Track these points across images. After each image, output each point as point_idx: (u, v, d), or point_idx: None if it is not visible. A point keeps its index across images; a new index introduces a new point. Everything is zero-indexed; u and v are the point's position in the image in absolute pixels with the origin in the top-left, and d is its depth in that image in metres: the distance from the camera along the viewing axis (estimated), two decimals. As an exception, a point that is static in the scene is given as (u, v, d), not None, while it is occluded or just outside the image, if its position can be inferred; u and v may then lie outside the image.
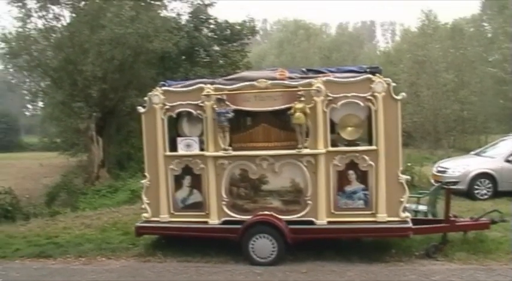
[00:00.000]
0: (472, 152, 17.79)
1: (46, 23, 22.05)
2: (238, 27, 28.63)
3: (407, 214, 8.43)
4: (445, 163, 16.09)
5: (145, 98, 9.20)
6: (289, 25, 66.40)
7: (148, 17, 21.55)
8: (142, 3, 22.39)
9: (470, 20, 42.17)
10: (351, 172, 8.37)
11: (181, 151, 8.99)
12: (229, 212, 8.77)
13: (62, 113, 24.67)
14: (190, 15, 27.37)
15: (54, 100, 23.71)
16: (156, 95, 8.95)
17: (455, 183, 11.35)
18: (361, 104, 8.24)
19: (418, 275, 7.57)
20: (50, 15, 21.97)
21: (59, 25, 22.41)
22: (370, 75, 8.31)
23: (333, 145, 8.44)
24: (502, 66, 31.38)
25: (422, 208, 10.13)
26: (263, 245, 8.42)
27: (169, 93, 8.98)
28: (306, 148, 8.29)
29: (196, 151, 8.92)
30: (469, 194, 14.16)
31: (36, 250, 9.99)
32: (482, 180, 14.25)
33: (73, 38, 21.57)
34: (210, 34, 28.34)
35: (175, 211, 9.11)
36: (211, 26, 28.35)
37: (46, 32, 22.18)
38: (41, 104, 30.41)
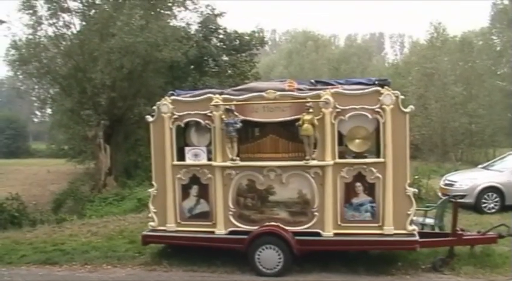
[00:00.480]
0: (480, 166, 17.73)
1: (56, 30, 22.20)
2: (247, 37, 28.72)
3: (414, 227, 8.40)
4: (453, 176, 16.04)
5: (154, 107, 9.23)
6: (298, 36, 66.50)
7: (158, 26, 21.62)
8: (152, 13, 22.45)
9: (479, 33, 42.14)
10: (358, 184, 8.37)
11: (189, 160, 9.01)
12: (235, 222, 8.76)
13: (70, 120, 24.81)
14: (199, 25, 27.48)
15: (63, 107, 23.82)
16: (165, 104, 8.98)
17: (462, 196, 11.30)
18: (370, 116, 8.24)
19: (424, 289, 7.54)
20: (60, 23, 22.18)
21: (69, 33, 22.57)
22: (378, 88, 8.32)
23: (341, 157, 8.45)
24: (510, 79, 31.34)
25: (429, 221, 10.09)
26: (269, 256, 8.40)
27: (178, 102, 9.00)
28: (313, 159, 8.28)
29: (204, 160, 8.94)
30: (476, 207, 14.09)
31: (42, 256, 10.01)
32: (489, 194, 14.18)
33: (83, 45, 21.69)
34: (219, 44, 28.44)
35: (182, 220, 9.11)
36: (221, 36, 28.47)
37: (56, 40, 22.32)
38: (49, 110, 30.61)
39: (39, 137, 56.00)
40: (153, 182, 9.35)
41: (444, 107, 31.89)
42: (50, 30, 22.26)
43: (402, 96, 8.32)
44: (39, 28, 21.89)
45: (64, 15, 22.08)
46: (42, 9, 21.60)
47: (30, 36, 21.87)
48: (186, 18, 26.89)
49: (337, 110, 8.27)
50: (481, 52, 37.08)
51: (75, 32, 22.62)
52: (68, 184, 23.79)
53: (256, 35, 29.17)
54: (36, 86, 25.39)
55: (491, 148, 34.09)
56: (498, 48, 38.82)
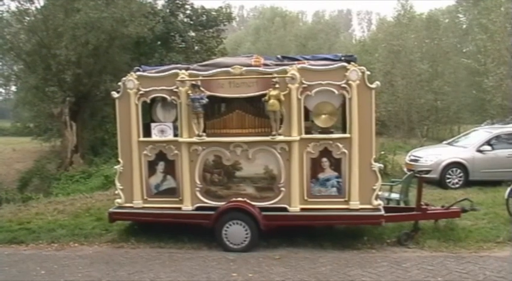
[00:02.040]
0: (445, 142, 18.00)
1: (19, 5, 21.77)
2: (215, 13, 28.60)
3: (379, 201, 8.50)
4: (418, 152, 16.24)
5: (120, 83, 9.12)
6: (265, 12, 66.32)
7: (124, 2, 21.38)
8: (118, -13, 22.16)
9: (445, 11, 42.53)
10: (324, 159, 8.41)
11: (155, 136, 8.95)
12: (202, 198, 8.76)
13: (35, 97, 24.39)
14: (166, 0, 27.16)
15: (27, 84, 23.41)
16: (131, 80, 8.88)
17: (427, 172, 11.41)
18: (336, 92, 8.26)
19: (389, 263, 7.63)
20: (24, -3, 21.67)
21: (33, 8, 22.15)
22: (345, 64, 8.33)
23: (307, 133, 8.47)
24: (475, 57, 31.65)
25: (394, 196, 10.24)
26: (236, 232, 8.43)
27: (144, 78, 8.91)
28: (280, 135, 8.28)
29: (170, 136, 8.89)
30: (440, 183, 14.33)
31: (8, 235, 9.88)
32: (454, 169, 14.42)
33: (47, 21, 21.30)
34: (186, 20, 28.28)
35: (148, 197, 9.08)
36: (188, 12, 28.29)
37: (19, 15, 21.87)
38: (13, 88, 30.08)
39: (3, 115, 54.98)
40: (119, 159, 9.27)
41: (410, 84, 32.12)
42: (13, 5, 21.88)
43: (368, 73, 8.35)
44: (1, 3, 21.49)
45: (27, -11, 21.65)
46: (5, -17, 21.16)
47: (-8, 12, 21.43)
48: (152, -6, 26.66)
49: (304, 85, 8.26)
50: (447, 30, 37.38)
51: (39, 7, 22.21)
52: (33, 163, 23.47)
53: (224, 11, 29.09)
54: (0, 63, 24.93)
55: (456, 124, 34.55)
56: (464, 26, 39.22)
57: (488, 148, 14.51)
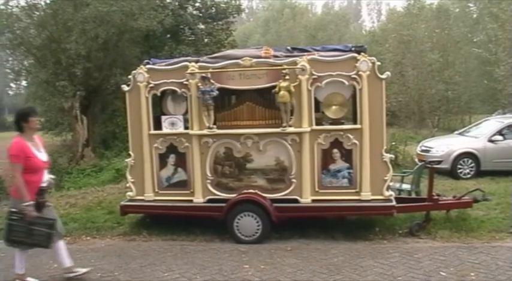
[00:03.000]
0: (456, 132, 17.93)
1: (29, 0, 21.75)
2: (224, 5, 28.52)
3: (391, 192, 8.49)
4: (429, 142, 16.20)
5: (130, 77, 9.14)
6: (275, 4, 66.13)
7: (133, -5, 21.33)
8: (126, -19, 22.13)
9: (455, 1, 42.12)
10: (335, 150, 8.40)
11: (165, 129, 8.97)
12: (213, 190, 8.78)
13: (45, 92, 24.41)
14: (175, -7, 27.16)
15: (38, 79, 23.43)
16: (141, 73, 8.89)
17: (438, 162, 11.44)
18: (346, 82, 8.24)
19: (401, 253, 7.62)
20: (33, -8, 21.68)
21: (42, 2, 22.08)
22: (355, 54, 8.31)
23: (318, 124, 8.48)
24: (486, 47, 31.48)
25: (406, 186, 10.23)
26: (248, 224, 8.44)
27: (154, 71, 8.92)
28: (290, 126, 8.29)
29: (180, 129, 8.91)
30: (452, 173, 14.29)
31: (21, 229, 9.93)
32: (465, 159, 14.37)
33: (56, 15, 21.28)
34: (195, 12, 28.21)
35: (159, 190, 9.11)
36: (197, 4, 28.22)
37: (29, 10, 21.83)
38: (24, 83, 30.16)
39: (14, 110, 55.35)
40: (130, 152, 9.30)
41: (421, 74, 31.97)
42: (22, 0, 21.84)
43: (379, 63, 8.31)
44: (10, -2, 21.46)
45: (37, -17, 21.66)
46: (13, -21, 21.17)
47: (2, 7, 21.34)
48: (161, -13, 26.59)
49: (314, 76, 8.25)
50: (457, 19, 37.12)
51: (48, 1, 22.14)
52: (45, 157, 23.52)
53: (233, 3, 28.97)
54: (10, 58, 24.93)
55: (467, 114, 34.37)
56: (474, 16, 38.97)
57: (499, 137, 14.45)
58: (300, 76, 8.21)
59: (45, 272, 7.47)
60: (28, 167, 6.35)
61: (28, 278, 6.87)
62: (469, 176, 14.18)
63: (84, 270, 7.01)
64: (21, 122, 6.47)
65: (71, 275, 6.94)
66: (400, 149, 16.29)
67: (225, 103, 9.19)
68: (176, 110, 9.11)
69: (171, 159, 9.02)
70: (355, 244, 8.16)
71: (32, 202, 6.31)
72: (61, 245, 6.82)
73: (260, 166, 8.61)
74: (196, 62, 8.76)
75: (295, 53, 8.86)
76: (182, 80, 8.68)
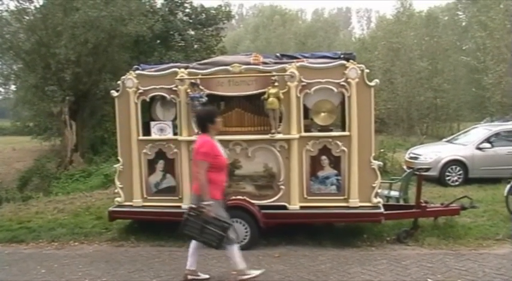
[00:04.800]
0: (444, 139, 18.04)
1: (18, 4, 21.75)
2: (214, 11, 28.64)
3: (379, 199, 8.50)
4: (418, 150, 16.27)
5: (119, 82, 9.13)
6: (265, 10, 66.36)
7: (123, 0, 21.35)
8: (117, -14, 22.15)
9: (445, 9, 42.56)
10: (323, 157, 8.41)
11: (154, 135, 8.96)
12: (202, 196, 8.76)
13: (34, 96, 24.37)
14: (165, -1, 27.23)
15: (27, 83, 23.38)
16: (130, 79, 8.89)
17: (427, 169, 11.46)
18: (335, 90, 8.26)
19: (389, 260, 7.64)
20: (23, -4, 21.65)
21: (32, 7, 22.14)
22: (344, 62, 8.34)
23: (306, 131, 8.49)
24: (475, 55, 31.74)
25: (394, 193, 10.25)
26: (236, 230, 8.41)
27: (143, 77, 8.92)
28: (279, 133, 8.31)
29: (169, 135, 8.91)
30: (440, 180, 14.36)
31: (8, 235, 9.89)
32: (453, 167, 14.46)
33: (46, 20, 21.29)
34: (185, 18, 28.33)
35: (148, 196, 9.09)
36: (187, 10, 28.34)
37: (18, 14, 21.85)
38: (13, 87, 30.00)
39: (3, 114, 54.86)
40: (119, 158, 9.28)
41: (410, 82, 32.17)
42: (12, 4, 21.93)
43: (367, 70, 8.34)
44: (0, 2, 21.46)
45: (26, -12, 21.63)
46: (3, -17, 21.15)
47: (-9, 11, 21.41)
48: (151, -8, 26.66)
49: (303, 83, 8.26)
50: (446, 27, 37.44)
51: (38, 6, 22.20)
52: (33, 162, 23.46)
53: (223, 9, 29.15)
54: (-1, 62, 24.94)
55: (456, 122, 34.58)
56: (463, 24, 39.37)
57: (487, 145, 14.56)
58: (289, 83, 8.23)
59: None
60: (215, 166, 6.44)
61: (200, 274, 6.96)
62: (457, 183, 14.27)
63: (257, 272, 6.95)
64: (207, 122, 6.57)
65: (244, 277, 6.84)
66: (388, 156, 16.36)
67: (214, 109, 9.18)
68: (165, 116, 9.10)
69: (160, 165, 9.01)
70: (343, 251, 8.17)
71: (212, 202, 6.38)
72: (235, 248, 6.77)
73: (248, 172, 8.61)
74: (186, 68, 8.76)
75: (285, 60, 8.87)
76: (171, 86, 8.68)
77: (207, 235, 6.44)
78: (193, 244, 6.83)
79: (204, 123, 6.58)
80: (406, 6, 35.83)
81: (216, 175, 6.46)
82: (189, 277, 6.87)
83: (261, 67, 8.49)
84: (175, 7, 27.69)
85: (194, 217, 6.43)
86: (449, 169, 14.42)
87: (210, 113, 6.76)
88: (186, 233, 6.57)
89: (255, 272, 6.86)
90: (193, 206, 6.47)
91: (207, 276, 7.00)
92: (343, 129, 8.49)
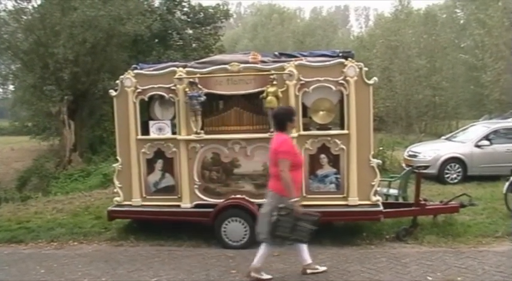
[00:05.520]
0: (443, 137, 18.02)
1: (16, 4, 21.72)
2: (212, 10, 28.61)
3: (378, 197, 8.51)
4: (416, 148, 16.27)
5: (117, 82, 9.12)
6: (263, 9, 66.19)
7: (121, -1, 21.34)
8: (115, -15, 22.13)
9: (443, 6, 42.44)
10: (322, 155, 8.41)
11: (153, 134, 8.95)
12: (201, 195, 8.77)
13: (33, 96, 24.33)
14: (163, -3, 27.21)
15: (25, 83, 23.35)
16: (128, 78, 8.87)
17: (425, 167, 11.48)
18: (333, 88, 8.26)
19: (388, 258, 7.64)
20: (20, -4, 21.63)
21: (30, 7, 22.10)
22: (342, 60, 8.34)
23: (305, 129, 8.50)
24: (473, 52, 31.74)
25: (393, 191, 10.24)
26: (235, 229, 8.43)
27: (141, 76, 8.91)
28: (278, 131, 8.29)
29: (168, 134, 8.89)
30: (439, 178, 14.35)
31: (7, 235, 9.88)
32: (452, 164, 14.45)
33: (44, 20, 21.25)
34: (183, 17, 28.30)
35: (147, 195, 9.08)
36: (185, 9, 28.31)
37: (16, 14, 21.82)
38: (11, 87, 29.96)
39: (1, 114, 54.71)
40: (118, 157, 9.27)
41: (408, 80, 32.16)
42: (10, 4, 21.92)
43: (366, 69, 8.34)
44: (-2, 2, 21.43)
45: (24, -12, 21.61)
46: (1, -17, 21.13)
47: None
48: (149, -9, 26.65)
49: (301, 82, 8.27)
50: (444, 25, 37.35)
51: (35, 5, 22.17)
52: (32, 161, 23.44)
53: (221, 8, 29.11)
54: (-3, 62, 24.91)
55: (454, 119, 34.57)
56: (461, 22, 39.26)
57: (486, 142, 14.55)
58: (287, 82, 8.23)
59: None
60: (294, 164, 6.50)
61: (263, 273, 6.93)
62: (456, 181, 14.26)
63: (322, 268, 7.06)
64: (286, 121, 6.64)
65: (309, 271, 6.98)
66: (387, 154, 16.34)
67: (213, 108, 9.17)
68: (164, 115, 9.09)
69: (159, 164, 9.00)
70: (342, 249, 8.17)
71: (298, 198, 6.51)
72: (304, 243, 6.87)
73: (247, 171, 8.61)
74: (184, 67, 8.75)
75: (283, 59, 8.87)
76: (170, 85, 8.67)
77: (298, 232, 6.53)
78: (265, 246, 6.83)
79: (283, 122, 6.64)
80: (404, 4, 35.84)
81: (295, 172, 6.51)
82: (253, 274, 6.87)
83: (259, 66, 8.48)
84: (173, 6, 27.66)
85: (285, 216, 6.43)
86: (448, 167, 14.41)
87: (289, 111, 6.82)
88: (278, 234, 6.53)
89: (321, 268, 7.05)
90: (282, 205, 6.44)
91: (269, 276, 6.97)
92: (342, 128, 8.50)
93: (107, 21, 20.40)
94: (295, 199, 6.40)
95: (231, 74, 8.44)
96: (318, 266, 7.05)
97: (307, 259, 6.96)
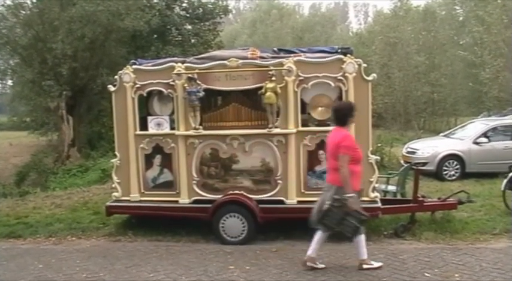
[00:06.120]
0: (441, 134, 18.07)
1: (15, -1, 21.66)
2: (211, 6, 28.56)
3: (376, 194, 8.52)
4: (415, 144, 16.30)
5: (116, 77, 9.11)
6: (262, 5, 66.20)
7: (120, -6, 21.29)
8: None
9: (442, 3, 42.47)
10: (321, 151, 8.38)
11: (151, 129, 8.95)
12: (199, 191, 8.77)
13: (31, 91, 24.28)
14: (162, -7, 27.15)
15: (24, 78, 23.34)
16: (127, 74, 8.86)
17: (424, 164, 11.49)
18: (332, 84, 8.26)
19: (386, 254, 7.65)
20: (19, -9, 21.59)
21: (28, 1, 22.08)
22: (341, 56, 8.33)
23: (304, 125, 8.49)
24: (472, 49, 31.72)
25: (391, 188, 10.26)
26: (234, 225, 8.44)
27: (140, 72, 8.89)
28: (276, 127, 8.30)
29: (166, 130, 8.89)
30: (437, 175, 14.38)
31: (6, 230, 9.89)
32: (450, 161, 14.48)
33: (42, 15, 21.21)
34: (182, 13, 28.25)
35: (145, 190, 9.08)
36: (184, 5, 28.26)
37: (15, 9, 21.76)
38: (10, 82, 29.93)
39: (0, 109, 54.81)
40: (116, 153, 9.27)
41: (407, 76, 32.15)
42: (8, -1, 21.75)
43: (365, 65, 8.34)
44: (-4, -3, 21.39)
45: (22, -18, 21.57)
46: (-1, -22, 21.09)
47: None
48: (148, -14, 26.58)
49: (300, 78, 8.27)
50: (443, 22, 37.37)
51: (34, 0, 22.13)
52: (30, 157, 23.39)
53: (220, 3, 29.03)
54: (-4, 57, 24.87)
55: (453, 116, 34.59)
56: (460, 19, 39.32)
57: (484, 139, 14.59)
58: (286, 77, 8.23)
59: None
60: (355, 158, 6.68)
61: (317, 263, 7.13)
62: (454, 178, 14.29)
63: (378, 264, 7.10)
64: (348, 116, 6.82)
65: (365, 266, 7.02)
66: (385, 151, 16.36)
67: (211, 104, 9.17)
68: (162, 110, 9.09)
69: (157, 160, 9.00)
70: (340, 245, 8.13)
71: (354, 194, 6.61)
72: (362, 238, 6.97)
73: (246, 167, 8.61)
74: (183, 62, 8.74)
75: (282, 54, 8.87)
76: (168, 81, 8.66)
77: (344, 226, 6.69)
78: (321, 233, 7.01)
79: (346, 117, 6.79)
80: (403, 1, 35.80)
81: (355, 166, 6.69)
82: (308, 263, 7.05)
83: (258, 62, 8.48)
84: (172, 1, 27.59)
85: (337, 208, 6.58)
86: (446, 164, 14.45)
87: (351, 106, 6.96)
88: (324, 222, 6.76)
89: (377, 264, 7.08)
90: (337, 197, 6.59)
91: (323, 266, 7.14)
92: (340, 124, 8.48)
93: (105, 16, 20.37)
94: (351, 195, 6.52)
95: (229, 69, 8.43)
96: (373, 262, 7.11)
97: (364, 253, 7.02)
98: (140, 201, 9.06)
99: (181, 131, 8.67)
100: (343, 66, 8.19)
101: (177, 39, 27.97)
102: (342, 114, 6.78)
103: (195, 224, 8.91)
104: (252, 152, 8.55)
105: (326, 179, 7.10)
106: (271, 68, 8.24)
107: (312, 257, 7.03)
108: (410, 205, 8.88)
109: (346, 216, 6.58)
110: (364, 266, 6.99)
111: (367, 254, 7.00)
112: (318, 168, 8.48)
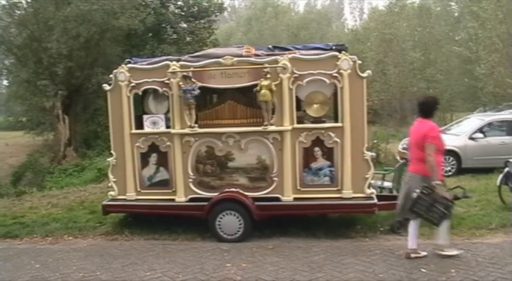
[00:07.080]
0: (437, 130, 18.02)
1: (9, -2, 21.62)
2: (206, 4, 28.57)
3: (372, 190, 8.54)
4: (411, 140, 16.28)
5: (111, 76, 9.10)
6: (257, 2, 65.98)
7: (114, -7, 21.27)
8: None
9: (437, -1, 42.44)
10: (316, 148, 8.42)
11: (147, 128, 8.95)
12: (195, 189, 8.77)
13: (27, 91, 24.32)
14: (157, -9, 27.12)
15: (19, 78, 23.34)
16: (122, 73, 8.86)
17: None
18: (327, 81, 8.27)
19: (382, 251, 7.67)
20: (13, -9, 21.54)
21: (23, 1, 21.99)
22: (336, 53, 8.34)
23: (299, 122, 8.50)
24: (467, 45, 31.67)
25: (387, 184, 10.27)
26: (230, 222, 8.46)
27: (135, 70, 8.89)
28: (272, 125, 8.30)
29: (162, 128, 8.89)
30: (433, 170, 14.36)
31: (2, 230, 9.89)
32: (446, 157, 14.43)
33: (37, 14, 21.19)
34: (177, 11, 28.24)
35: (141, 189, 9.08)
36: (179, 3, 28.26)
37: (9, 8, 21.73)
38: (5, 82, 29.94)
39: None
40: (112, 152, 9.27)
41: (403, 73, 32.11)
42: (3, -1, 21.71)
43: (360, 62, 8.36)
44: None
45: (17, -18, 21.52)
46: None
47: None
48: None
49: (295, 75, 8.27)
50: (438, 18, 37.31)
51: (29, 0, 22.07)
52: (26, 156, 23.34)
53: (215, 1, 29.03)
54: (-9, 57, 24.83)
55: (449, 112, 34.53)
56: (456, 14, 39.24)
57: (480, 135, 14.59)
58: (281, 75, 8.23)
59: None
60: (439, 148, 7.03)
61: (420, 252, 7.37)
62: (450, 173, 14.26)
63: (458, 252, 7.37)
64: (433, 109, 7.25)
65: (413, 256, 7.29)
66: (381, 147, 16.38)
67: (207, 102, 9.19)
68: (158, 109, 9.08)
69: (153, 158, 9.00)
70: (337, 242, 8.19)
71: (441, 182, 6.94)
72: (447, 225, 7.27)
73: (242, 164, 8.62)
74: (178, 61, 8.74)
75: (277, 52, 8.87)
76: (164, 79, 8.66)
77: (432, 213, 6.95)
78: (413, 225, 7.33)
79: (432, 109, 7.21)
80: (398, -3, 35.79)
81: (439, 156, 7.01)
82: (412, 255, 7.28)
83: (253, 59, 8.48)
84: (167, 0, 27.60)
85: (426, 195, 6.86)
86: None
87: (436, 100, 7.43)
88: (415, 210, 6.99)
89: (456, 252, 7.35)
90: (426, 185, 6.87)
91: (425, 253, 7.37)
92: (336, 121, 8.52)
93: (100, 15, 20.36)
94: (438, 182, 6.82)
95: (224, 67, 8.44)
96: (421, 251, 7.36)
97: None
98: (136, 200, 9.07)
99: (176, 130, 8.67)
100: (338, 63, 8.20)
101: (172, 37, 27.97)
102: (429, 107, 7.16)
103: (192, 222, 8.92)
104: (248, 149, 8.56)
105: (409, 169, 7.38)
106: (266, 65, 8.24)
107: (414, 249, 7.28)
108: (407, 201, 8.89)
109: (435, 203, 6.85)
110: (442, 252, 7.29)
111: (448, 240, 7.37)
112: (313, 165, 8.50)
